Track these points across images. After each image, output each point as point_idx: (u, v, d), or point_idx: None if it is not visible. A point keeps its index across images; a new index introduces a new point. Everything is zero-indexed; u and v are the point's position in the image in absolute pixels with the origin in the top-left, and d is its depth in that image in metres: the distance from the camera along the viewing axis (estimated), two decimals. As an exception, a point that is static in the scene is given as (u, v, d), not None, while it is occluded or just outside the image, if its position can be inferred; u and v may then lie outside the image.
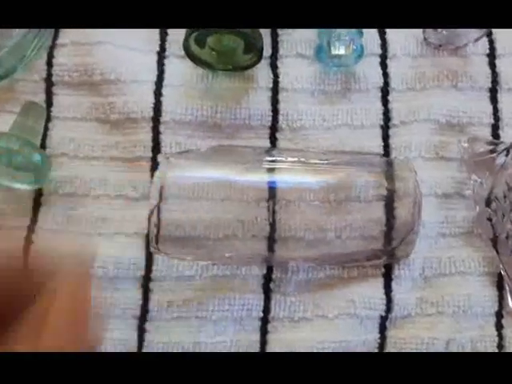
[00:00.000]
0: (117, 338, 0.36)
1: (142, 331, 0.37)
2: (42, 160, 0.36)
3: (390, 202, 0.37)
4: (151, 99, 0.39)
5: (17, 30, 0.37)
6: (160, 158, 0.37)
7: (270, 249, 0.38)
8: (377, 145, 0.40)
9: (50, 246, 0.36)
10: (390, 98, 0.40)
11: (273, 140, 0.40)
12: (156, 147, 0.38)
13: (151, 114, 0.38)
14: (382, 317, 0.37)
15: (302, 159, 0.38)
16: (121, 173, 0.39)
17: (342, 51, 0.39)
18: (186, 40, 0.37)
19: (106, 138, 0.39)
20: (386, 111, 0.40)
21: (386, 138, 0.40)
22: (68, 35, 0.40)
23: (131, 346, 0.36)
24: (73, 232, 0.37)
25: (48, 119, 0.39)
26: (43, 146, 0.39)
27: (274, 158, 0.38)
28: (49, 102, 0.39)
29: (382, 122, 0.40)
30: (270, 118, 0.40)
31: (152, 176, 0.38)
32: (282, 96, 0.40)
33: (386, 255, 0.38)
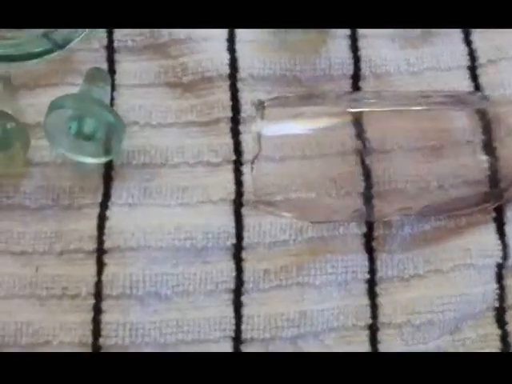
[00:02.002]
0: (211, 316, 0.33)
1: (238, 305, 0.33)
2: (116, 121, 0.32)
3: (489, 142, 0.34)
4: (226, 55, 0.36)
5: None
6: (255, 106, 0.33)
7: (368, 204, 0.34)
8: (466, 86, 0.37)
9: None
10: (472, 37, 0.38)
11: (356, 89, 0.37)
12: (235, 106, 0.35)
13: (227, 71, 0.36)
14: (499, 264, 0.34)
15: (392, 102, 0.36)
16: (199, 138, 0.35)
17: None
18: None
19: (179, 103, 0.36)
20: (471, 51, 0.38)
21: (474, 78, 0.37)
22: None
23: (229, 324, 0.33)
24: (152, 205, 0.34)
25: (113, 88, 0.36)
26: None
27: (361, 103, 0.35)
28: (112, 71, 0.36)
29: (468, 63, 0.37)
30: (352, 67, 0.37)
31: (233, 138, 0.35)
32: (361, 43, 0.37)
33: (495, 198, 0.35)
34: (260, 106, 0.32)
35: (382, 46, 0.37)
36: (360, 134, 0.35)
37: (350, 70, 0.37)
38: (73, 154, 0.34)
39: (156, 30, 0.36)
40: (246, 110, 0.35)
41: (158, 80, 0.36)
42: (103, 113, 0.32)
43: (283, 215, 0.33)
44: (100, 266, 0.33)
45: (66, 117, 0.33)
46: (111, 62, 0.37)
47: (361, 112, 0.35)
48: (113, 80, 0.36)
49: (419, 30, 0.38)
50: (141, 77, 0.36)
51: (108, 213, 0.34)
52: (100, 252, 0.33)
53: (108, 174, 0.35)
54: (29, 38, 0.35)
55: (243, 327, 0.32)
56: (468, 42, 0.38)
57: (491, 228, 0.34)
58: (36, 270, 0.33)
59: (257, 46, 0.37)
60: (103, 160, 0.34)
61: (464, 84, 0.37)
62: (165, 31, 0.36)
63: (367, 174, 0.34)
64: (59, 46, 0.36)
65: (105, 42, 0.37)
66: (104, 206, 0.34)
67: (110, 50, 0.37)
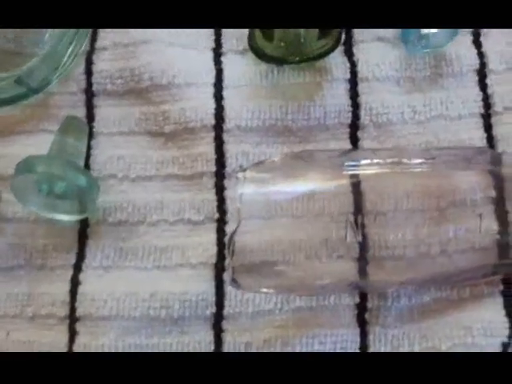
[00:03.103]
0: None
1: (217, 380, 0.31)
2: (88, 184, 0.30)
3: (501, 206, 0.31)
4: (212, 104, 0.33)
5: (48, 33, 0.32)
6: (238, 174, 0.30)
7: (362, 272, 0.31)
8: (478, 137, 0.33)
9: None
10: (488, 81, 0.34)
11: (354, 140, 0.33)
12: (220, 160, 0.33)
13: (213, 121, 0.33)
14: (504, 344, 0.31)
15: (393, 160, 0.32)
16: (180, 193, 0.33)
17: (433, 29, 0.32)
18: (251, 35, 0.31)
19: (160, 154, 0.33)
20: (486, 97, 0.34)
21: (488, 128, 0.34)
22: (108, 36, 0.34)
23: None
24: (127, 268, 0.32)
25: (90, 136, 0.34)
26: (87, 167, 0.33)
27: (358, 162, 0.32)
28: (90, 117, 0.34)
29: (482, 110, 0.34)
30: (350, 115, 0.33)
31: (217, 194, 0.33)
32: (361, 87, 0.33)
33: (504, 270, 0.31)
34: (242, 169, 0.29)
35: (385, 90, 0.34)
36: (355, 194, 0.32)
37: (348, 119, 0.33)
38: (46, 212, 0.32)
39: (137, 72, 0.33)
40: (232, 163, 0.33)
41: (139, 128, 0.34)
42: (74, 176, 0.30)
43: (263, 291, 0.30)
44: (72, 333, 0.31)
45: (35, 179, 0.31)
46: (90, 107, 0.34)
47: (357, 167, 0.32)
48: (91, 127, 0.34)
49: (429, 70, 0.34)
50: (120, 124, 0.34)
51: (81, 276, 0.32)
52: (72, 319, 0.31)
53: (83, 231, 0.33)
54: (1, 83, 0.33)
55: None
56: (483, 85, 0.34)
57: (498, 303, 0.31)
58: (7, 334, 0.31)
59: (246, 91, 0.33)
60: (78, 218, 0.32)
61: (476, 135, 0.33)
62: (146, 75, 0.33)
63: (362, 238, 0.31)
64: (34, 90, 0.33)
65: (83, 84, 0.34)
66: (77, 268, 0.32)
67: (89, 93, 0.34)
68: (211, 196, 0.33)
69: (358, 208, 0.31)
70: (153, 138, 0.34)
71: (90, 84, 0.34)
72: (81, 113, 0.34)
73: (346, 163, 0.32)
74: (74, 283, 0.32)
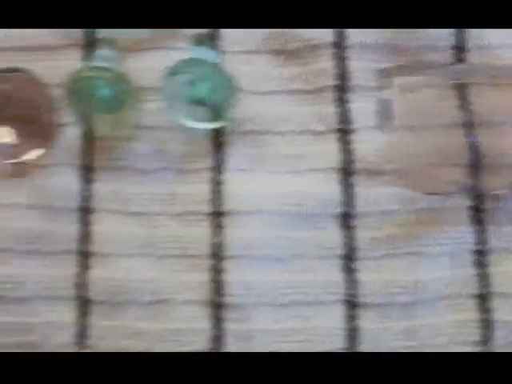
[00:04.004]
0: (324, 279, 0.33)
1: (351, 271, 0.33)
2: (231, 85, 0.33)
3: None
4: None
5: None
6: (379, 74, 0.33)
7: (476, 178, 0.35)
8: None
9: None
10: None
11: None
12: (341, 74, 0.35)
13: (333, 39, 0.35)
14: None
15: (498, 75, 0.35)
16: (304, 106, 0.35)
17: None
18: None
19: (283, 70, 0.36)
20: None
21: None
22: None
23: (341, 288, 0.33)
24: (261, 171, 0.35)
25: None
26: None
27: (467, 74, 0.35)
28: (215, 37, 0.36)
29: None
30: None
31: (339, 106, 0.35)
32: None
33: None
34: (385, 73, 0.32)
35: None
36: (466, 106, 0.35)
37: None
38: (185, 119, 0.34)
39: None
40: (352, 78, 0.36)
41: (263, 47, 0.36)
42: (220, 77, 0.33)
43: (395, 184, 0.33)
44: (217, 228, 0.34)
45: (181, 82, 0.33)
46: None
47: (466, 84, 0.35)
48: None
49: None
50: (244, 43, 0.36)
51: (221, 177, 0.34)
52: (216, 215, 0.34)
53: (218, 139, 0.35)
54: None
55: (357, 292, 0.33)
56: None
57: None
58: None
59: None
60: (214, 126, 0.35)
61: None
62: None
63: (476, 147, 0.34)
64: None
65: (209, 7, 0.37)
66: (217, 170, 0.35)
67: (215, 15, 0.37)
68: (333, 109, 0.35)
69: (471, 118, 0.35)
70: (276, 56, 0.36)
71: (216, 7, 0.37)
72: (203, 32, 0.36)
73: (457, 74, 0.35)
74: (215, 183, 0.34)
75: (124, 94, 0.33)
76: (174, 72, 0.33)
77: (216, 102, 0.34)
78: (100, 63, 0.34)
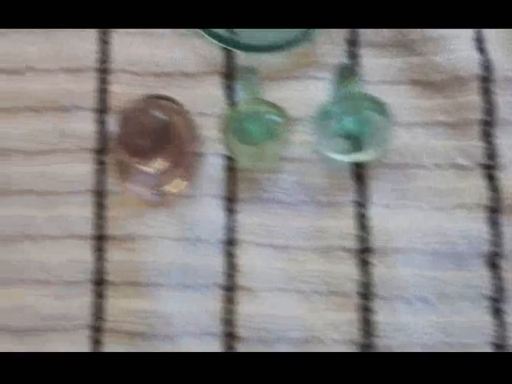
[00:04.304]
0: (468, 322, 0.33)
1: (499, 313, 0.33)
2: (384, 119, 0.32)
3: None
4: (477, 55, 0.35)
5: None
6: None
7: None
8: None
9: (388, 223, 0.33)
10: None
11: None
12: (488, 109, 0.34)
13: (480, 72, 0.34)
14: None
15: None
16: (448, 140, 0.35)
17: None
18: None
19: (426, 102, 0.35)
20: None
21: None
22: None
23: (490, 330, 0.32)
24: (407, 207, 0.34)
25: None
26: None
27: None
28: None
29: None
30: None
31: (486, 141, 0.34)
32: None
33: None
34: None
35: None
36: None
37: None
38: (331, 152, 0.34)
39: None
40: (500, 113, 0.35)
41: (404, 77, 0.36)
42: (369, 109, 0.32)
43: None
44: (363, 265, 0.33)
45: (330, 116, 0.32)
46: (353, 56, 0.36)
47: None
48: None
49: None
50: (384, 73, 0.36)
51: (367, 212, 0.34)
52: (362, 251, 0.33)
53: (361, 172, 0.34)
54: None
55: (506, 335, 0.32)
56: None
57: None
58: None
59: (508, 46, 0.36)
60: (358, 158, 0.34)
61: None
62: (417, 29, 0.35)
63: None
64: (302, 38, 0.35)
65: (348, 35, 0.36)
66: (362, 205, 0.34)
67: (353, 44, 0.36)
68: (479, 143, 0.34)
69: None
70: (418, 87, 0.35)
71: (354, 35, 0.36)
72: (344, 62, 0.36)
73: None
74: (361, 218, 0.33)
75: (275, 126, 0.32)
76: (323, 108, 0.32)
77: (362, 134, 0.33)
78: (247, 94, 0.33)
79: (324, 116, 0.32)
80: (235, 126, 0.32)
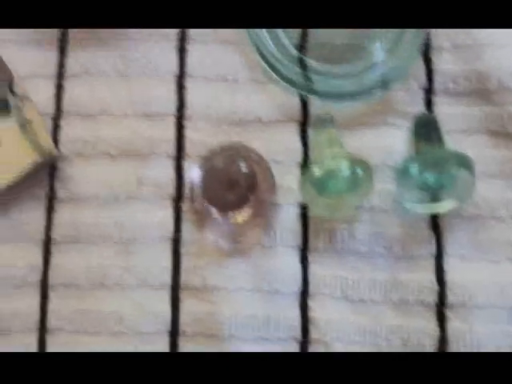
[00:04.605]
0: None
1: None
2: (467, 176, 0.32)
3: None
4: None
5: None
6: None
7: None
8: None
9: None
10: None
11: None
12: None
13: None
14: None
15: None
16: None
17: None
18: None
19: (503, 153, 0.35)
20: None
21: None
22: (446, 37, 0.36)
23: None
24: (483, 260, 0.34)
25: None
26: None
27: None
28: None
29: None
30: None
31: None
32: None
33: None
34: None
35: None
36: None
37: None
38: (409, 203, 0.33)
39: (484, 76, 0.35)
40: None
41: (480, 127, 0.35)
42: (454, 167, 0.32)
43: None
44: (442, 320, 0.33)
45: (412, 172, 0.32)
46: (429, 104, 0.36)
47: None
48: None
49: None
50: (460, 122, 0.35)
51: (444, 266, 0.33)
52: (441, 306, 0.33)
53: (437, 224, 0.34)
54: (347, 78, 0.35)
55: None
56: None
57: None
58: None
59: None
60: (437, 208, 0.34)
61: None
62: (494, 79, 0.35)
63: None
64: (383, 86, 0.35)
65: (424, 83, 0.36)
66: (439, 257, 0.34)
67: (429, 92, 0.36)
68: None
69: None
70: (494, 138, 0.35)
71: (431, 83, 0.36)
72: (421, 110, 0.35)
73: None
74: (439, 271, 0.33)
75: (356, 179, 0.32)
76: (404, 162, 0.32)
77: (443, 187, 0.33)
78: (325, 144, 0.33)
79: (405, 170, 0.32)
80: (315, 181, 0.31)
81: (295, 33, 0.35)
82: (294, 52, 0.35)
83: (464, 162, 0.32)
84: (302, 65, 0.35)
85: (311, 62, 0.35)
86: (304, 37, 0.35)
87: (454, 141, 0.35)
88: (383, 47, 0.35)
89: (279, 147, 0.35)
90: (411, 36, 0.35)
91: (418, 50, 0.35)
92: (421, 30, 0.35)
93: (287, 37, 0.35)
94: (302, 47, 0.35)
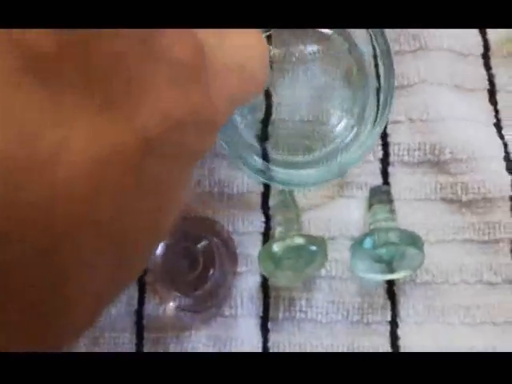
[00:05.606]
0: None
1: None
2: (416, 252, 0.34)
3: None
4: (508, 177, 0.36)
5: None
6: None
7: None
8: None
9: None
10: None
11: None
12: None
13: (510, 193, 0.36)
14: None
15: None
16: (478, 256, 0.36)
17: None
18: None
19: (456, 220, 0.37)
20: None
21: None
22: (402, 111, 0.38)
23: None
24: (436, 323, 0.35)
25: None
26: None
27: None
28: (386, 184, 0.38)
29: None
30: None
31: (513, 258, 0.36)
32: None
33: None
34: None
35: None
36: None
37: None
38: (363, 273, 0.35)
39: (436, 146, 0.37)
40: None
41: (435, 195, 0.37)
42: (404, 245, 0.34)
43: None
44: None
45: (366, 246, 0.34)
46: (386, 174, 0.38)
47: None
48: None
49: None
50: (415, 191, 0.37)
51: (398, 332, 0.35)
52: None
53: (392, 290, 0.36)
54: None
55: None
56: None
57: None
58: None
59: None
60: (390, 277, 0.36)
61: None
62: (446, 150, 0.37)
63: None
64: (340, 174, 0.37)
65: (380, 154, 0.38)
66: (393, 323, 0.35)
67: (386, 163, 0.38)
68: (507, 260, 0.36)
69: None
70: (448, 205, 0.37)
71: (387, 155, 0.38)
72: (377, 180, 0.38)
73: None
74: (393, 337, 0.35)
75: (311, 255, 0.34)
76: (358, 238, 0.34)
77: (395, 261, 0.35)
78: (284, 225, 0.35)
79: (359, 244, 0.34)
80: (273, 258, 0.33)
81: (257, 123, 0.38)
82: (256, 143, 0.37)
83: (413, 241, 0.34)
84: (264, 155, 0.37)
85: (272, 153, 0.37)
86: (264, 127, 0.37)
87: (409, 208, 0.37)
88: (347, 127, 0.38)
89: (241, 218, 0.37)
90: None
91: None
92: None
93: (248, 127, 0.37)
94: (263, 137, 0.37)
